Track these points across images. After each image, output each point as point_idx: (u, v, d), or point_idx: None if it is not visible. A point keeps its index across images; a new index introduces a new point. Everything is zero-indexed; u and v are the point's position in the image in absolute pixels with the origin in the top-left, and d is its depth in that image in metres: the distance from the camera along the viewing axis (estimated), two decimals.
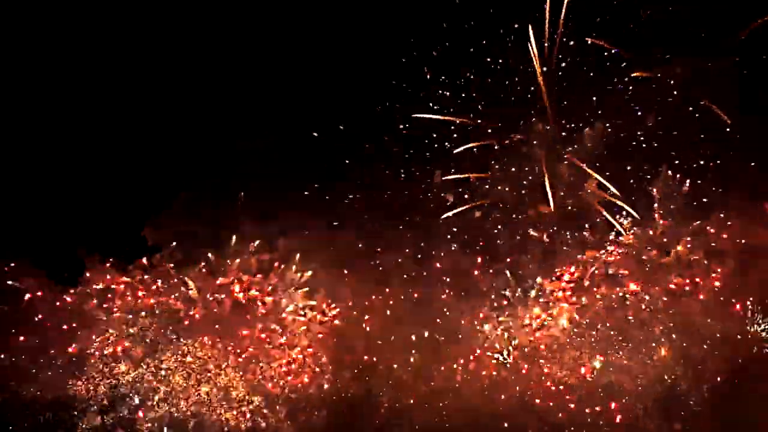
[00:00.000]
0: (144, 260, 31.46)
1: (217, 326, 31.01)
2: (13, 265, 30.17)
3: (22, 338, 29.85)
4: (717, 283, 30.00)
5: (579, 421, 30.26)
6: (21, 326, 29.97)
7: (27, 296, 30.33)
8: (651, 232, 31.09)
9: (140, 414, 30.29)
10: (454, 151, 32.09)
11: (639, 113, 31.77)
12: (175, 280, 31.45)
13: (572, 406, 30.42)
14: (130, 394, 30.53)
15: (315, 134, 32.47)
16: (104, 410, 30.18)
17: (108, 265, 31.01)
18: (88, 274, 30.87)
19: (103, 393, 30.25)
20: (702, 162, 31.01)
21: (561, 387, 30.65)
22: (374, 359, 31.48)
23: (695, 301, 30.13)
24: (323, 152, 32.36)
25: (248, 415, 30.64)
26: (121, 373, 30.46)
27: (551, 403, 30.53)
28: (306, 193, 32.43)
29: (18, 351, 29.80)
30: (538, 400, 30.59)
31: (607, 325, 30.82)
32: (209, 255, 31.80)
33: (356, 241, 32.20)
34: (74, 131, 31.60)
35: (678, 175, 31.18)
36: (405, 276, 32.15)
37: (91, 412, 30.03)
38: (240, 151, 31.93)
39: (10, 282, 30.14)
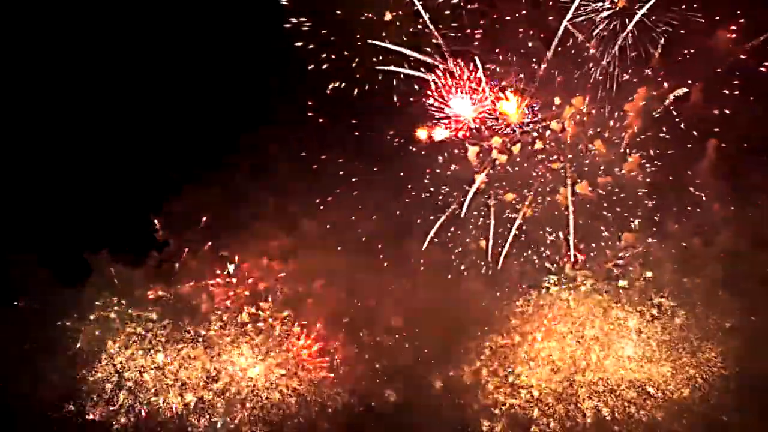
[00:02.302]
0: (155, 251, 30.28)
1: (231, 316, 30.05)
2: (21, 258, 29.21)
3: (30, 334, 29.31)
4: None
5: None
6: (30, 322, 29.39)
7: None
8: (694, 218, 29.22)
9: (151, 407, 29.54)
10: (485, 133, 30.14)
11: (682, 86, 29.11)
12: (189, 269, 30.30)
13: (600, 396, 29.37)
14: (141, 387, 29.67)
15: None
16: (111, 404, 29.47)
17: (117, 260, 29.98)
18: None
19: (113, 386, 29.51)
20: (749, 143, 28.67)
21: (590, 378, 29.46)
22: (399, 350, 30.28)
23: (738, 293, 28.60)
24: (346, 134, 30.36)
25: (265, 409, 29.78)
26: (133, 366, 29.62)
27: (578, 395, 29.48)
28: (328, 175, 30.45)
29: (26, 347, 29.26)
30: (564, 393, 29.54)
31: (640, 313, 29.53)
32: (225, 240, 30.46)
33: (380, 225, 30.54)
34: (75, 124, 30.21)
35: (725, 156, 28.96)
36: (432, 261, 30.50)
37: (99, 406, 29.37)
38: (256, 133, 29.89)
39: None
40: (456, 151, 30.28)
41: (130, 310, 30.10)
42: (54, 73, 29.96)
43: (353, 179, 30.38)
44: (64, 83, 29.93)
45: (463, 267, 30.41)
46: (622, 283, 29.87)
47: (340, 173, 30.42)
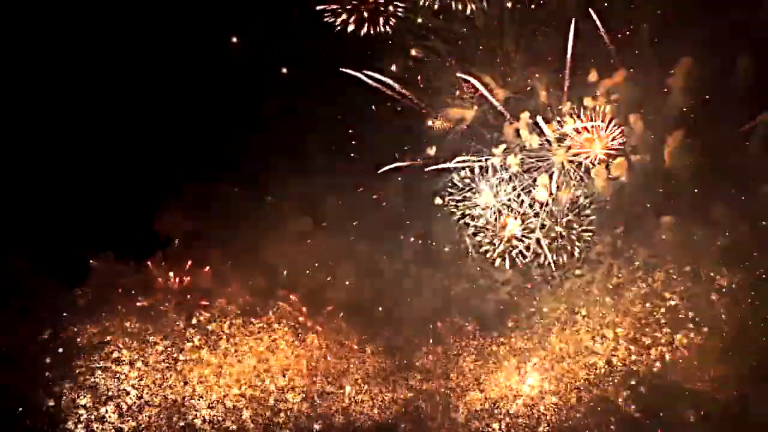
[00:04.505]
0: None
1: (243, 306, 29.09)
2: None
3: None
4: None
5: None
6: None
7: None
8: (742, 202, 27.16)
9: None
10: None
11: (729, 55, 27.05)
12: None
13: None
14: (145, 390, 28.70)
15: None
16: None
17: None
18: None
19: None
20: None
21: (603, 370, 28.10)
22: (411, 346, 29.05)
23: None
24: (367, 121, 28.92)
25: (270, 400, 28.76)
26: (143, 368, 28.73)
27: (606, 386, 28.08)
28: (350, 159, 29.26)
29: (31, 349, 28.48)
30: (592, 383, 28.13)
31: (674, 307, 27.80)
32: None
33: (400, 210, 29.25)
34: (76, 126, 29.13)
35: None
36: (455, 250, 29.00)
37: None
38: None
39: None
40: (485, 133, 28.58)
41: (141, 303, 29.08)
42: (57, 77, 29.18)
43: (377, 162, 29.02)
44: (68, 87, 29.13)
45: (491, 254, 28.57)
46: (659, 275, 28.00)
47: (364, 156, 29.22)
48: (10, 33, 28.48)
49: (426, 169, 28.83)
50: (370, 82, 28.46)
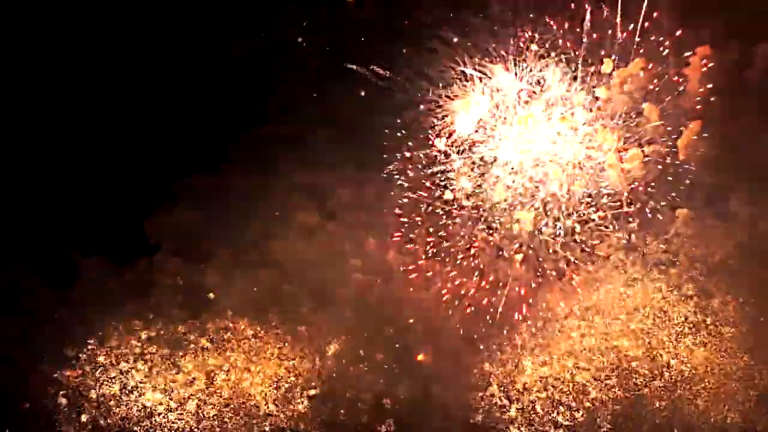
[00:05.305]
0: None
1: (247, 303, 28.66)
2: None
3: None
4: None
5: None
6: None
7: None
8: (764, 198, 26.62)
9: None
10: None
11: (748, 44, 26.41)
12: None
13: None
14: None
15: None
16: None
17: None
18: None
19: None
20: None
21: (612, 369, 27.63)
22: (419, 343, 28.61)
23: None
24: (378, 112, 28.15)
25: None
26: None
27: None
28: (355, 155, 28.55)
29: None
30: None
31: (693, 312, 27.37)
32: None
33: (410, 202, 28.55)
34: (78, 127, 28.79)
35: None
36: (465, 245, 28.33)
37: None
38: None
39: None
40: (496, 125, 27.79)
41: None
42: (48, 79, 28.76)
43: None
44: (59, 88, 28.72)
45: (503, 251, 28.11)
46: (673, 270, 27.53)
47: (370, 151, 28.49)
48: (7, 34, 28.17)
49: (435, 164, 28.35)
50: (374, 79, 27.93)
